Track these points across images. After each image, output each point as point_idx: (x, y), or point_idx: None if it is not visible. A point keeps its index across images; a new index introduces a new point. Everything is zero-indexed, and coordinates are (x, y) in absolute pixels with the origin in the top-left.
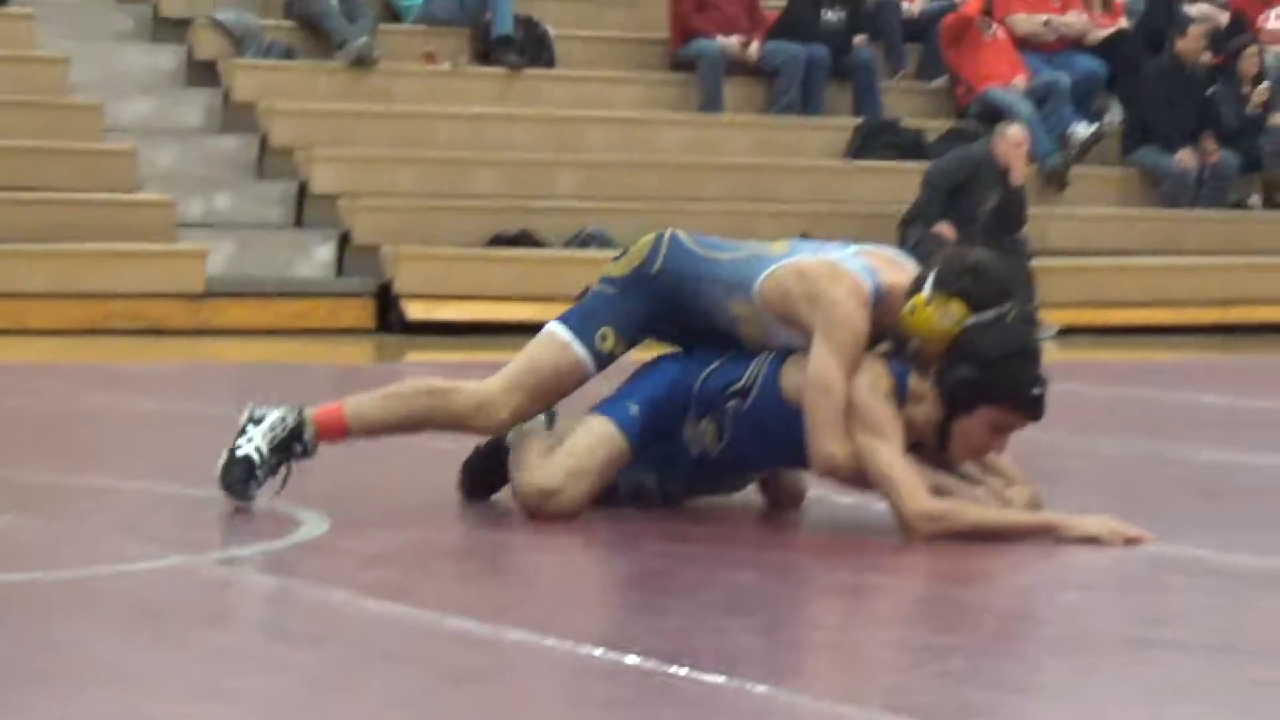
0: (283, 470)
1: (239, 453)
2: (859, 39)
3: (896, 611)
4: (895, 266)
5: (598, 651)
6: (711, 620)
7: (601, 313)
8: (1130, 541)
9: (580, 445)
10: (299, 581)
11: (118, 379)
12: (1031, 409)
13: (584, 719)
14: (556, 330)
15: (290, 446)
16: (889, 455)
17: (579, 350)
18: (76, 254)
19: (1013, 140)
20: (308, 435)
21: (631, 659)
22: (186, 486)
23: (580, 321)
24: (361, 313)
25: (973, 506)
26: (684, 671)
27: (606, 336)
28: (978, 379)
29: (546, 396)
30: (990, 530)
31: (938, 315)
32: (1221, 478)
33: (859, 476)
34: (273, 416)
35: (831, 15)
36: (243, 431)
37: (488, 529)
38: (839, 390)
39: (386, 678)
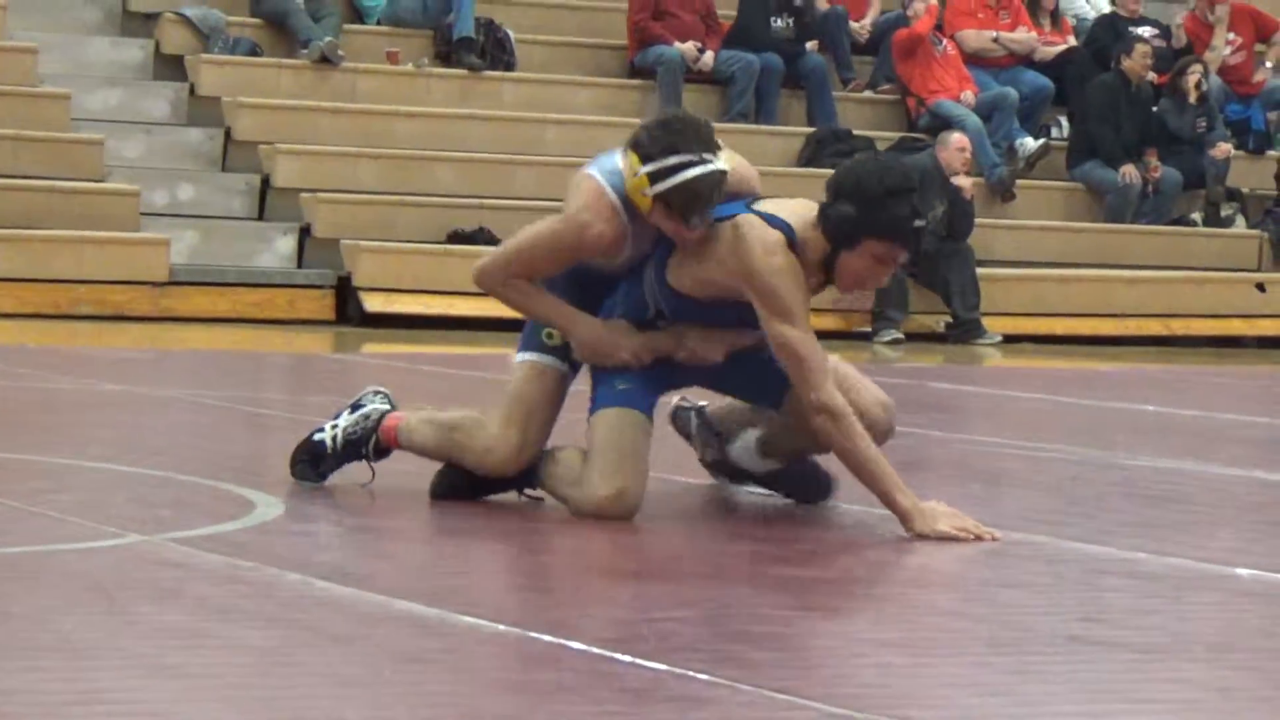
0: (360, 463)
1: (316, 435)
2: (811, 44)
3: (838, 605)
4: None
5: (544, 638)
6: (655, 610)
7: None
8: (979, 539)
9: (611, 440)
10: (252, 563)
11: (81, 363)
12: (910, 239)
13: (529, 704)
14: (517, 357)
15: (362, 445)
16: (797, 334)
17: (540, 359)
18: (43, 240)
19: (956, 146)
20: (375, 440)
21: (576, 645)
22: (145, 467)
23: (527, 335)
24: (321, 304)
25: (867, 439)
26: (627, 659)
27: (551, 333)
28: (858, 214)
29: (542, 415)
30: (863, 472)
31: (628, 172)
32: (1158, 483)
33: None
34: (364, 410)
35: (780, 23)
36: (337, 416)
37: (440, 516)
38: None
39: (335, 659)
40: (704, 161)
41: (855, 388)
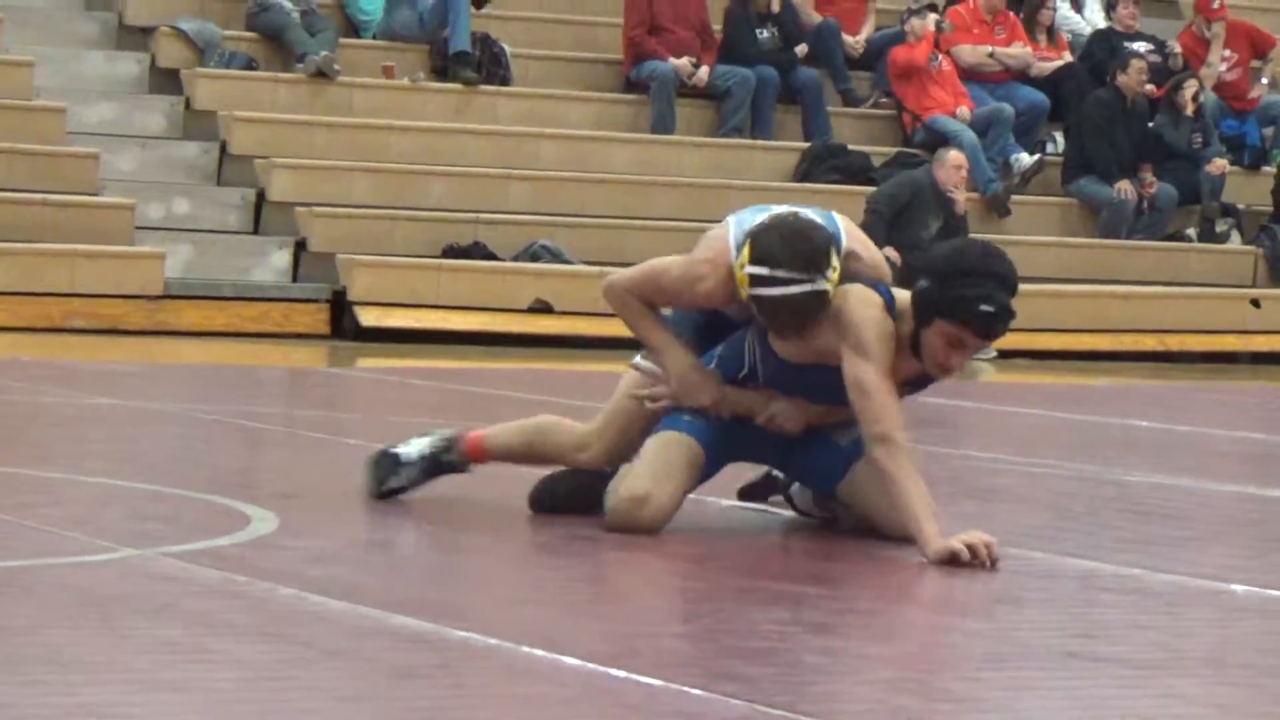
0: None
1: (394, 448)
2: (800, 48)
3: (833, 621)
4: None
5: (539, 652)
6: (651, 625)
7: None
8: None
9: (654, 452)
10: (246, 577)
11: (76, 376)
12: (979, 324)
13: (523, 718)
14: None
15: (440, 457)
16: (873, 374)
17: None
18: (38, 254)
19: (953, 163)
20: (457, 450)
21: (571, 660)
22: (139, 482)
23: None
24: (315, 318)
25: (916, 473)
26: (622, 674)
27: (646, 356)
28: (929, 290)
29: (634, 427)
30: (903, 498)
31: (741, 258)
32: (1153, 499)
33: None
34: (441, 433)
35: (765, 34)
36: (414, 437)
37: (435, 530)
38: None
39: (330, 673)
40: (802, 282)
41: None
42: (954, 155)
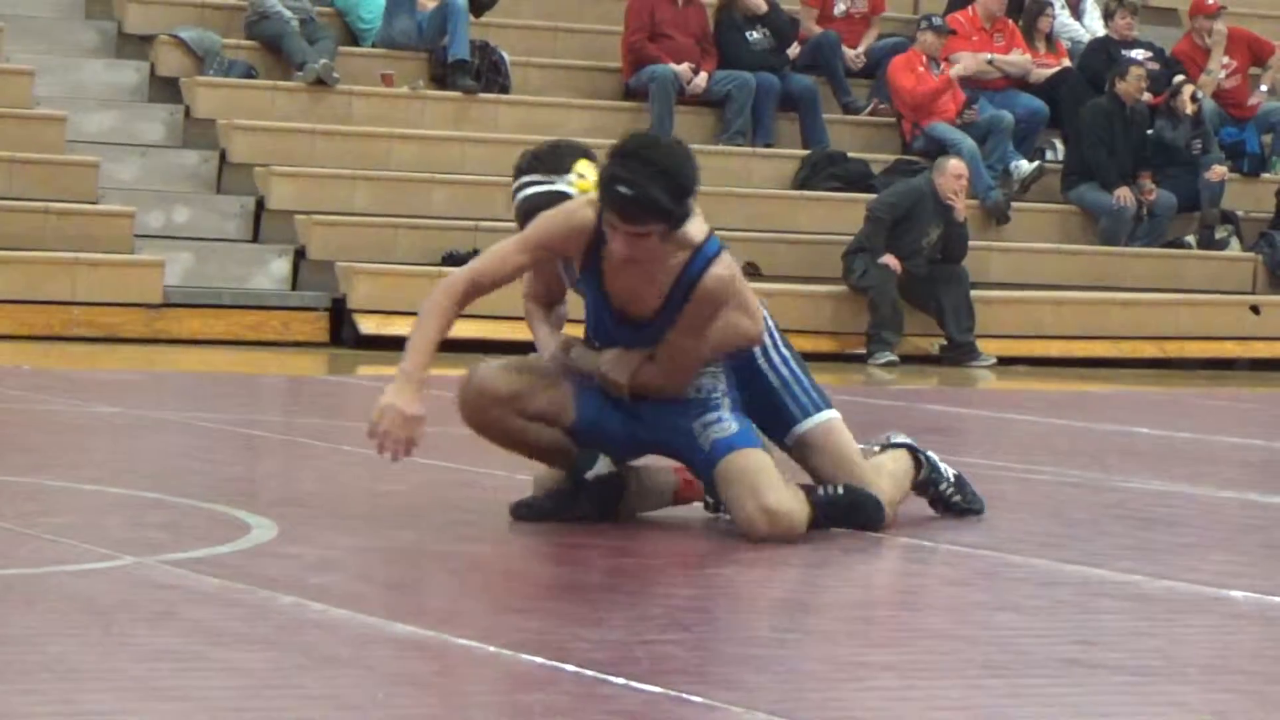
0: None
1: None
2: (790, 50)
3: (831, 628)
4: None
5: (537, 660)
6: (649, 633)
7: None
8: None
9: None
10: (246, 585)
11: (75, 384)
12: (610, 202)
13: None
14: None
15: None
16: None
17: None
18: (38, 262)
19: (953, 173)
20: None
21: (570, 668)
22: (139, 489)
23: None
24: (315, 326)
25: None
26: (620, 681)
27: None
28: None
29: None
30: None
31: None
32: (1153, 506)
33: None
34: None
35: (756, 35)
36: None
37: (433, 539)
38: None
39: (328, 681)
40: (540, 184)
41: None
42: (954, 163)
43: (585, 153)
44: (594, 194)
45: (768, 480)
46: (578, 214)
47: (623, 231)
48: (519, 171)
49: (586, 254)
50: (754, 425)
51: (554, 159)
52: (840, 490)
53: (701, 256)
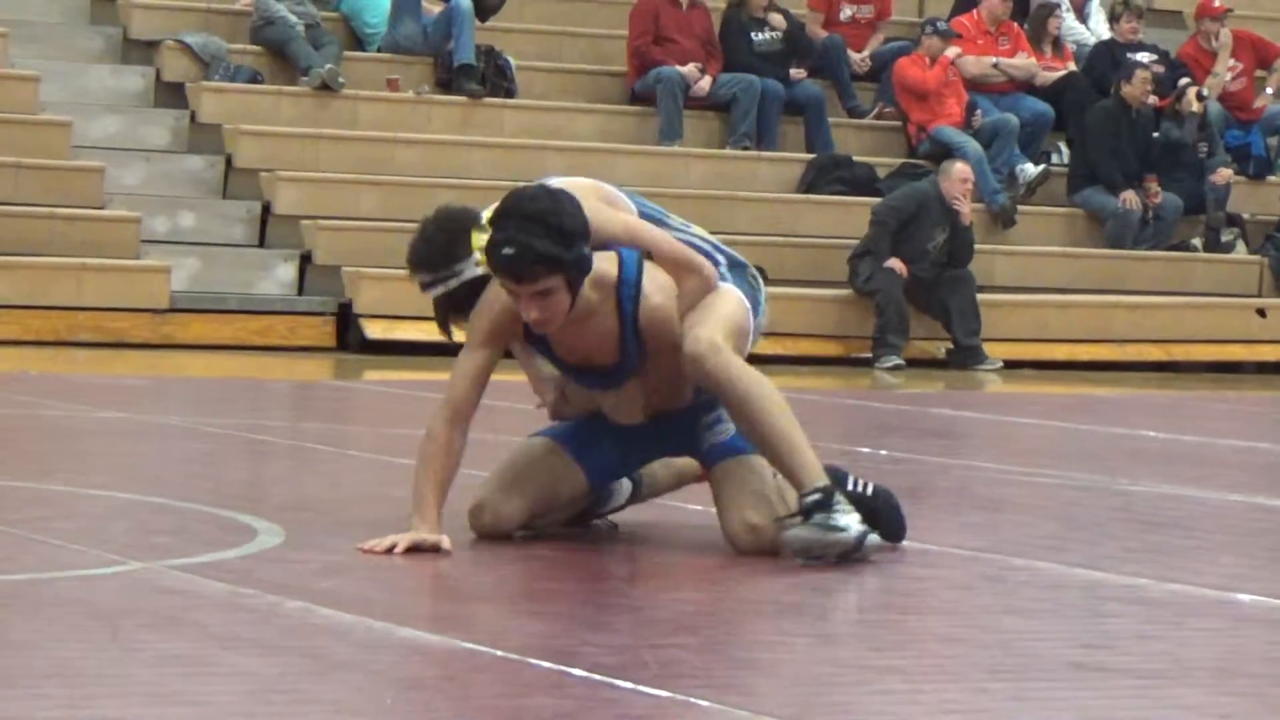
0: None
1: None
2: (796, 73)
3: (838, 632)
4: None
5: (545, 664)
6: (656, 637)
7: None
8: None
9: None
10: (253, 590)
11: (82, 390)
12: (496, 268)
13: None
14: None
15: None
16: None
17: None
18: (44, 267)
19: (959, 176)
20: None
21: (577, 672)
22: (146, 495)
23: None
24: (321, 331)
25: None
26: (628, 685)
27: None
28: None
29: None
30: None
31: None
32: (1160, 509)
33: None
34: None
35: (762, 37)
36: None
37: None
38: None
39: (336, 686)
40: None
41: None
42: (960, 167)
43: (469, 222)
44: None
45: (754, 495)
46: (497, 300)
47: (524, 294)
48: (412, 269)
49: (525, 328)
50: None
51: (445, 248)
52: (870, 490)
53: (626, 295)
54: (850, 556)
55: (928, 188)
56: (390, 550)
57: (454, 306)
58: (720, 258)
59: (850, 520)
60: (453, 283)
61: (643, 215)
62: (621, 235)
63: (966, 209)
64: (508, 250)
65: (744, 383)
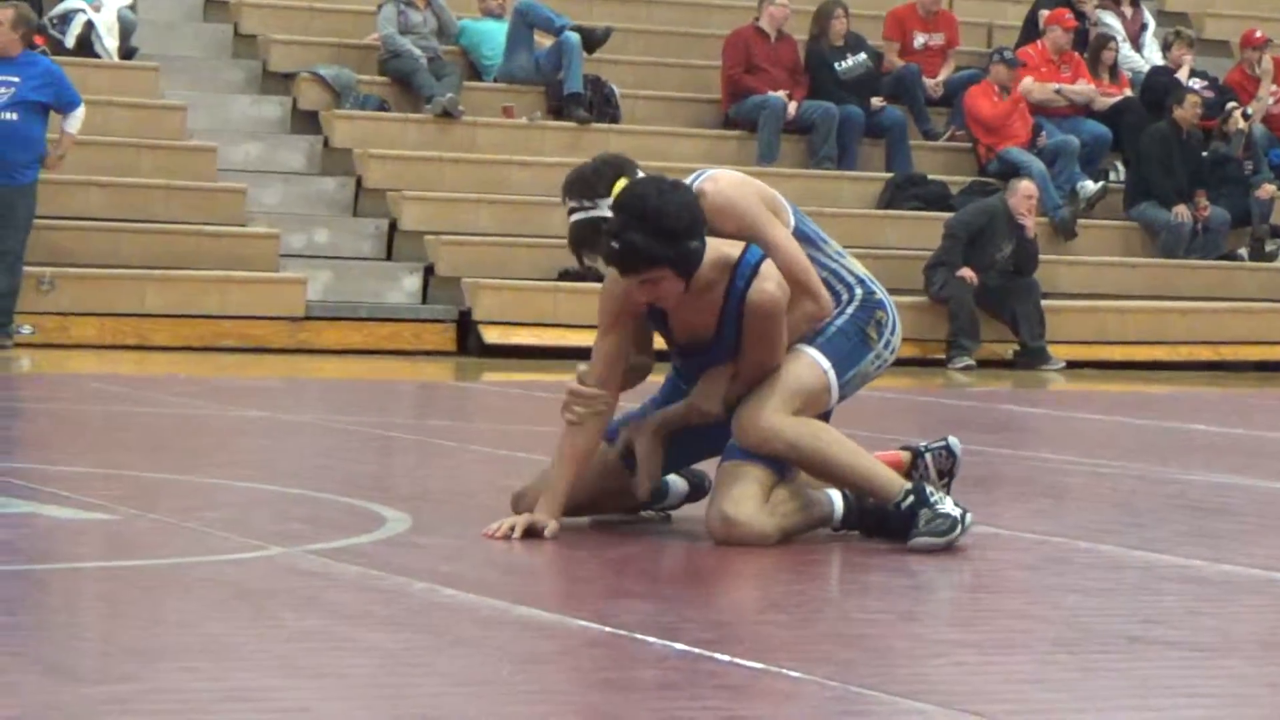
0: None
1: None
2: (877, 102)
3: (917, 610)
4: None
5: (650, 639)
6: (751, 614)
7: None
8: None
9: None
10: (382, 572)
11: (226, 391)
12: (605, 257)
13: (636, 700)
14: None
15: None
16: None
17: None
18: (192, 280)
19: (1024, 193)
20: None
21: (680, 646)
22: (284, 486)
23: None
24: (443, 336)
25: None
26: (726, 658)
27: None
28: None
29: None
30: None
31: None
32: (1211, 496)
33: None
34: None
35: (845, 64)
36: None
37: (552, 530)
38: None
39: (457, 660)
40: (584, 209)
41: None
42: (1025, 184)
43: (624, 170)
44: None
45: (740, 489)
46: (617, 283)
47: (634, 281)
48: (563, 193)
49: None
50: None
51: (591, 182)
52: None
53: (741, 274)
54: (965, 533)
55: (996, 203)
56: (510, 533)
57: (582, 239)
58: (858, 292)
59: (948, 504)
60: (588, 214)
61: (798, 232)
62: (755, 236)
63: (1031, 223)
64: (614, 244)
65: (801, 444)
